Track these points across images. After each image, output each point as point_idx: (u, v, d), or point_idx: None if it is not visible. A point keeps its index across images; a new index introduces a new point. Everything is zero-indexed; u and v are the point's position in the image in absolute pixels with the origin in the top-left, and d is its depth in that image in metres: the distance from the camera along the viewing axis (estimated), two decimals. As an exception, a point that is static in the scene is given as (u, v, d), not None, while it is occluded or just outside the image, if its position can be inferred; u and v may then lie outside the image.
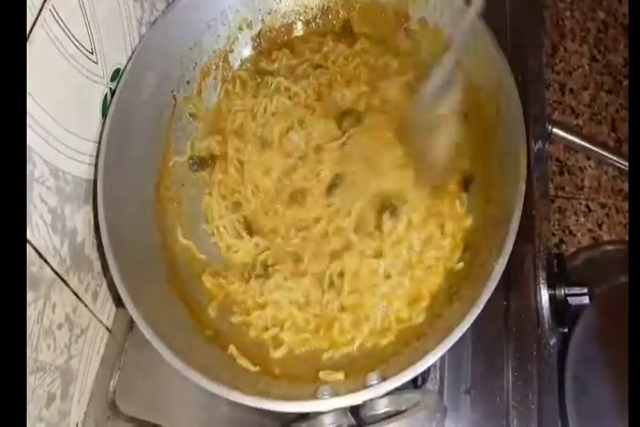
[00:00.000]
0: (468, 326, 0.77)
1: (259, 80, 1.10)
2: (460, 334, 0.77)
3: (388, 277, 0.94)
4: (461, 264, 0.92)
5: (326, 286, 0.94)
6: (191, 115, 1.06)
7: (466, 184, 0.99)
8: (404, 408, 0.74)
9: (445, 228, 0.96)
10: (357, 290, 0.93)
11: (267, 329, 0.93)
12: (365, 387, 0.76)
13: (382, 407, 0.75)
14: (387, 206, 0.97)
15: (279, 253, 0.98)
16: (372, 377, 0.76)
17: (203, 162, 1.05)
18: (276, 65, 1.12)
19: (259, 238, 1.00)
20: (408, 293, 0.93)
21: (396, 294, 0.93)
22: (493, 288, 0.79)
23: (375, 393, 0.75)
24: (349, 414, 0.77)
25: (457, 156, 1.00)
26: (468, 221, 0.96)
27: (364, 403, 0.75)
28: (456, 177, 0.99)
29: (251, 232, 1.00)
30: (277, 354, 0.90)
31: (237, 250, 0.99)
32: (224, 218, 1.01)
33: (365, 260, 0.94)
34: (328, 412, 0.75)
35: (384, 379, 0.76)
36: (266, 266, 0.97)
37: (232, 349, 0.88)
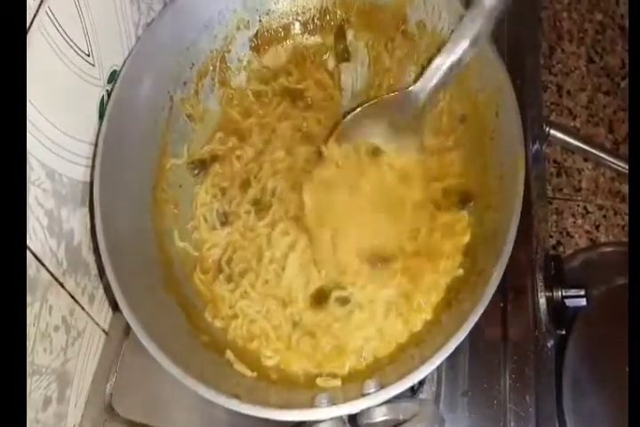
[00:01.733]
0: (466, 333, 0.76)
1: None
2: (457, 342, 0.76)
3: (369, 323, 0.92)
4: (461, 271, 0.91)
5: (291, 326, 0.93)
6: (188, 116, 1.06)
7: (463, 202, 0.98)
8: (401, 418, 0.74)
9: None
10: (334, 336, 0.92)
11: (250, 340, 0.92)
12: (363, 395, 0.75)
13: (380, 416, 0.74)
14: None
15: (242, 253, 0.98)
16: (370, 385, 0.75)
17: (203, 165, 1.04)
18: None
19: (229, 229, 0.99)
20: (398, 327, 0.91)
21: (384, 333, 0.91)
22: (491, 296, 0.78)
23: (373, 402, 0.75)
24: (347, 422, 0.76)
25: (453, 176, 1.00)
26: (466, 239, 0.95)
27: (362, 411, 0.75)
28: (453, 200, 0.99)
29: (226, 222, 1.00)
30: (269, 363, 0.90)
31: (210, 247, 0.99)
32: (206, 206, 1.01)
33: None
34: (325, 420, 0.75)
35: (382, 387, 0.75)
36: (231, 267, 0.97)
37: (229, 354, 0.87)
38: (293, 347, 0.91)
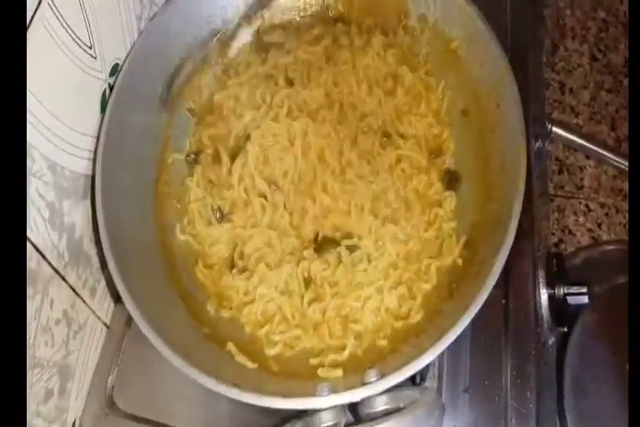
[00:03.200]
0: (467, 323, 0.77)
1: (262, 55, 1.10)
2: (459, 332, 0.77)
3: (369, 283, 0.93)
4: (460, 261, 0.92)
5: (303, 288, 0.93)
6: (190, 111, 1.06)
7: (449, 181, 0.99)
8: (402, 406, 0.74)
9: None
10: (339, 293, 0.92)
11: (260, 326, 0.92)
12: (364, 384, 0.75)
13: (380, 405, 0.74)
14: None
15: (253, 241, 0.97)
16: (371, 374, 0.76)
17: (198, 157, 1.04)
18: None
19: (229, 224, 0.99)
20: (398, 292, 0.92)
21: (385, 295, 0.92)
22: (493, 285, 0.79)
23: (373, 391, 0.75)
24: (347, 411, 0.76)
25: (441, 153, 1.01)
26: (452, 224, 0.96)
27: (362, 400, 0.75)
28: (438, 173, 1.00)
29: (222, 217, 1.00)
30: (272, 352, 0.90)
31: (212, 243, 0.98)
32: (199, 201, 1.00)
33: (332, 268, 0.94)
34: (326, 409, 0.75)
35: (382, 376, 0.75)
36: (243, 257, 0.96)
37: (230, 346, 0.87)
38: (307, 316, 0.92)
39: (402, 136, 1.02)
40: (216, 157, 1.02)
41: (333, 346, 0.89)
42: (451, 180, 0.99)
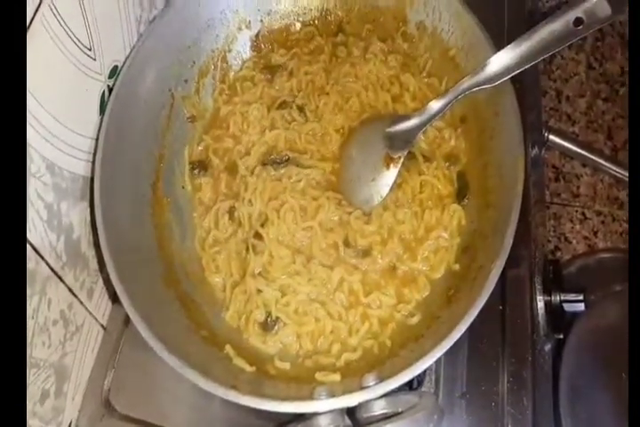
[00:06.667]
0: (466, 328, 0.77)
1: (268, 76, 1.10)
2: (457, 337, 0.76)
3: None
4: (457, 266, 0.92)
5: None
6: (189, 114, 1.06)
7: (460, 191, 0.99)
8: (400, 410, 0.74)
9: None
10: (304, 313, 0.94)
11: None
12: (362, 388, 0.75)
13: (379, 409, 0.74)
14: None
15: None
16: (369, 378, 0.76)
17: (203, 166, 1.04)
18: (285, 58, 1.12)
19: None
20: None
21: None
22: (491, 290, 0.79)
23: (372, 395, 0.75)
24: (345, 415, 0.76)
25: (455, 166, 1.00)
26: (457, 240, 0.95)
27: (361, 404, 0.75)
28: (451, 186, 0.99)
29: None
30: (270, 356, 0.90)
31: (220, 250, 0.99)
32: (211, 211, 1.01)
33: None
34: (324, 413, 0.75)
35: (381, 380, 0.75)
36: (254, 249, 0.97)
37: (228, 348, 0.87)
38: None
39: (426, 158, 1.01)
40: (222, 173, 1.04)
41: (333, 349, 0.90)
42: (461, 189, 0.99)
